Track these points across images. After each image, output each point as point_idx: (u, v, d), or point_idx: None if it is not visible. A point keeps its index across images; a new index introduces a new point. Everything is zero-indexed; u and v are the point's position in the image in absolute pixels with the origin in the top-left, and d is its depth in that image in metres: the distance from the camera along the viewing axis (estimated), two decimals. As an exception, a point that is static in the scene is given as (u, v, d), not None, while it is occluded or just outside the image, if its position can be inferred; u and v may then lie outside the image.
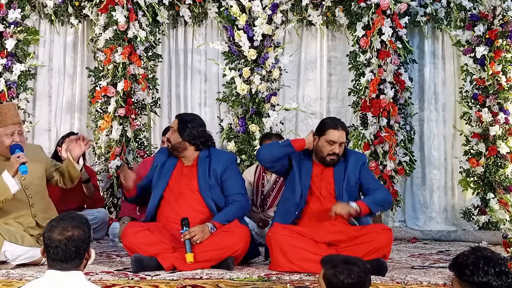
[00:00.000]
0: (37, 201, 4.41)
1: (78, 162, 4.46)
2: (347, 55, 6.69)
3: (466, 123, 6.64)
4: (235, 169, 4.52)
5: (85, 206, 5.95)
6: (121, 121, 6.45)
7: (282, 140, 4.45)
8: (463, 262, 2.30)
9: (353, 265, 2.51)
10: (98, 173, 6.40)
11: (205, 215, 4.33)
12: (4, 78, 6.36)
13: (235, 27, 6.54)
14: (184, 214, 4.24)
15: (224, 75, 6.62)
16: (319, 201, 4.34)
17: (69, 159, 4.43)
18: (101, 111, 6.49)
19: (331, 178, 4.36)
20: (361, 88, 6.50)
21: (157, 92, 6.73)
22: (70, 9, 6.65)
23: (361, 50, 6.50)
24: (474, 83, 6.53)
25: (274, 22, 6.55)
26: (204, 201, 4.34)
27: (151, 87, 6.62)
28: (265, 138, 5.77)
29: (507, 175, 6.48)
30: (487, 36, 6.46)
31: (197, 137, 4.41)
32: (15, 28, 6.40)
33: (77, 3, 6.61)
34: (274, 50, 6.56)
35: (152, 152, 6.54)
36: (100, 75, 6.52)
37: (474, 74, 6.56)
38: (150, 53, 6.62)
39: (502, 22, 6.43)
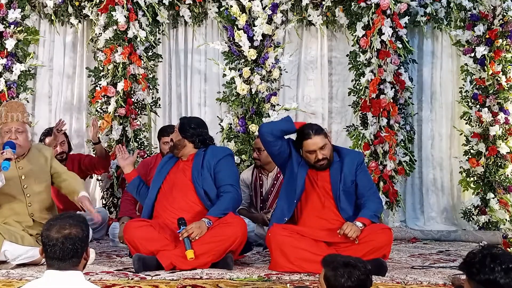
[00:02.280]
0: (35, 201, 4.42)
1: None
2: (347, 55, 6.69)
3: (466, 123, 6.63)
4: (228, 162, 4.57)
5: (96, 171, 6.14)
6: (121, 121, 6.45)
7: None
8: (470, 260, 2.27)
9: (354, 268, 2.51)
10: (98, 173, 6.43)
11: (197, 204, 4.42)
12: (4, 78, 6.36)
13: (235, 27, 6.54)
14: (178, 204, 4.38)
15: (224, 75, 6.62)
16: (319, 200, 4.35)
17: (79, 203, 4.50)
18: (101, 111, 6.49)
19: (328, 179, 4.38)
20: (361, 88, 6.49)
21: (157, 92, 6.73)
22: (70, 9, 6.65)
23: (361, 50, 6.49)
24: (474, 83, 6.53)
25: (274, 22, 6.55)
26: (195, 190, 4.41)
27: (151, 87, 6.62)
28: (257, 138, 5.79)
29: (507, 175, 6.47)
30: (487, 36, 6.46)
31: (195, 134, 4.56)
32: (15, 28, 6.40)
33: (77, 3, 6.61)
34: (274, 50, 6.56)
35: (152, 152, 6.54)
36: (100, 75, 6.52)
37: (474, 74, 6.55)
38: (150, 53, 6.63)
39: (502, 22, 6.43)
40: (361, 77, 6.49)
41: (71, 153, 6.10)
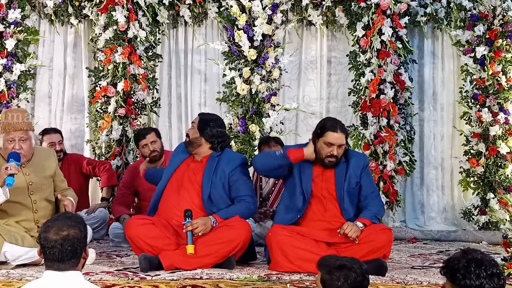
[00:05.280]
0: (41, 207, 4.40)
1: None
2: (347, 55, 6.69)
3: (466, 123, 6.63)
4: (244, 171, 4.53)
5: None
6: (121, 121, 6.45)
7: (280, 151, 4.37)
8: (454, 266, 2.30)
9: (350, 270, 2.50)
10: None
11: (202, 210, 4.37)
12: (4, 78, 6.35)
13: (235, 27, 6.53)
14: (184, 207, 4.30)
15: (224, 75, 6.62)
16: (320, 202, 4.34)
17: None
18: (101, 111, 6.49)
19: (332, 179, 4.35)
20: (361, 88, 6.49)
21: (157, 92, 6.73)
22: (70, 9, 6.65)
23: (361, 50, 6.49)
24: (474, 83, 6.53)
25: (274, 22, 6.54)
26: (201, 194, 4.37)
27: (151, 87, 6.62)
28: (264, 144, 5.75)
29: (507, 175, 6.47)
30: (487, 36, 6.45)
31: (215, 136, 4.47)
32: (15, 28, 6.40)
33: (77, 3, 6.61)
34: (274, 50, 6.56)
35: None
36: (100, 75, 6.52)
37: (474, 74, 6.55)
38: (150, 53, 6.62)
39: (502, 22, 6.42)
40: (361, 77, 6.49)
41: (67, 154, 6.11)
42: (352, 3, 6.50)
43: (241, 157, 4.71)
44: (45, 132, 5.96)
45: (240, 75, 6.51)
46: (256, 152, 6.19)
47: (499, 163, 6.49)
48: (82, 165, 6.06)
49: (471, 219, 6.51)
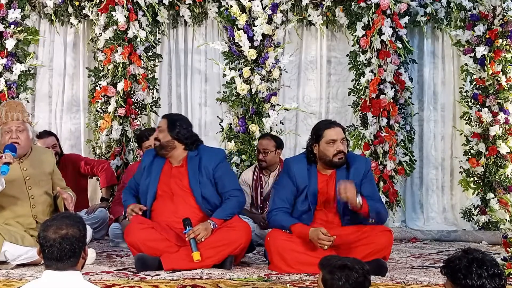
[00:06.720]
0: (39, 202, 4.41)
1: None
2: (347, 55, 6.69)
3: (466, 123, 6.64)
4: (226, 165, 4.54)
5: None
6: (121, 121, 6.45)
7: (287, 231, 4.24)
8: (455, 266, 2.30)
9: (351, 270, 2.50)
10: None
11: (199, 210, 4.36)
12: (4, 78, 6.36)
13: (235, 27, 6.54)
14: (182, 214, 4.27)
15: (224, 75, 6.62)
16: (322, 211, 4.31)
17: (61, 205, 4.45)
18: (101, 111, 6.49)
19: (333, 190, 4.27)
20: (361, 88, 6.49)
21: (157, 92, 6.73)
22: (70, 9, 6.65)
23: (361, 50, 6.49)
24: (474, 83, 6.53)
25: (274, 22, 6.55)
26: (195, 198, 4.35)
27: (151, 87, 6.62)
28: (261, 139, 5.75)
29: (507, 175, 6.47)
30: (487, 36, 6.46)
31: (187, 136, 4.42)
32: (15, 28, 6.40)
33: (77, 3, 6.61)
34: (274, 50, 6.56)
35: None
36: (100, 75, 6.52)
37: (474, 74, 6.55)
38: (150, 53, 6.63)
39: (502, 22, 6.43)
40: (361, 77, 6.49)
41: (64, 154, 6.10)
42: (352, 3, 6.50)
43: (220, 151, 4.69)
44: (39, 136, 5.93)
45: (240, 75, 6.52)
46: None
47: (499, 163, 6.49)
48: (79, 165, 6.05)
49: (471, 219, 6.51)
